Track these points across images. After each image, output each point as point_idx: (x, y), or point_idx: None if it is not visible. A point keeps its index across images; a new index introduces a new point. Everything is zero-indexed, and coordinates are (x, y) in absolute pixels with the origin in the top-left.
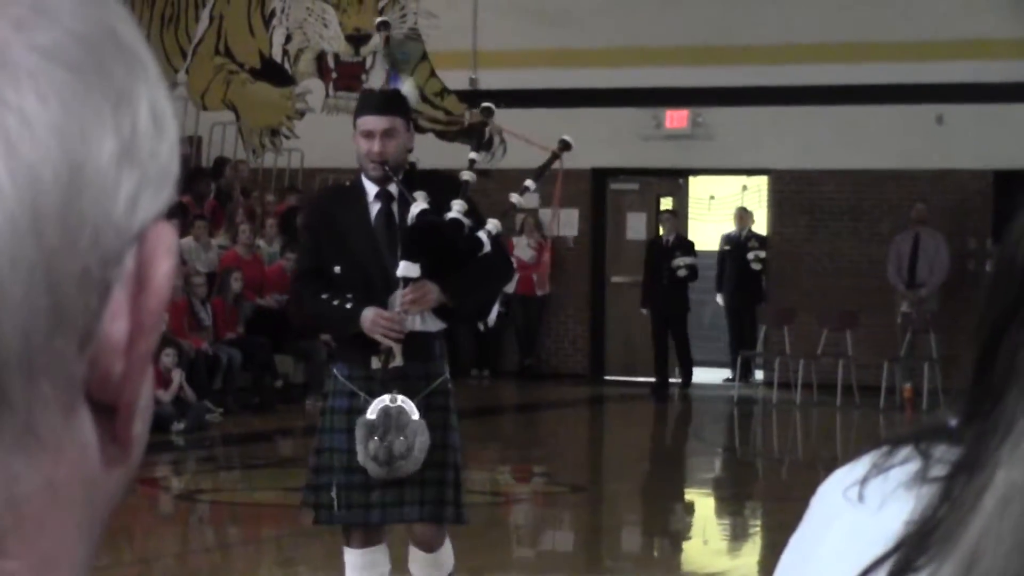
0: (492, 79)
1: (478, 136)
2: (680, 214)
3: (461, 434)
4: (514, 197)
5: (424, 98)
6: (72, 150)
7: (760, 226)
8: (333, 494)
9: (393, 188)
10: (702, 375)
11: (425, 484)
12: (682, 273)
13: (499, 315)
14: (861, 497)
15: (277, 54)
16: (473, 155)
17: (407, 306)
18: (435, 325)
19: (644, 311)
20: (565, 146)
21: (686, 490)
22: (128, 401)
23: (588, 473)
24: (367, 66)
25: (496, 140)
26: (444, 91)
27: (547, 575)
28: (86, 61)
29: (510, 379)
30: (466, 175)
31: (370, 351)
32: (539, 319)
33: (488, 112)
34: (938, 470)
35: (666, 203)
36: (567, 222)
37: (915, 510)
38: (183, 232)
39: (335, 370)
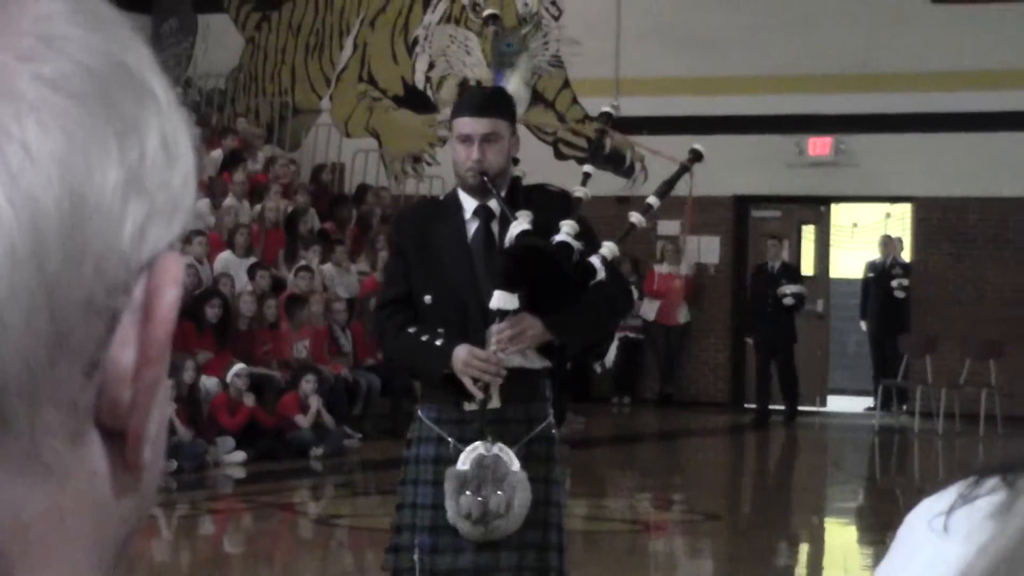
0: (634, 106)
1: (617, 160)
2: (820, 240)
3: (600, 462)
4: (634, 217)
5: (561, 119)
6: (75, 180)
7: (904, 253)
8: (415, 557)
9: (494, 204)
10: (845, 403)
11: (525, 548)
12: (788, 302)
13: (633, 343)
14: (946, 527)
15: (420, 81)
16: (588, 168)
17: (503, 344)
18: (539, 362)
19: (748, 340)
20: (696, 156)
21: (825, 519)
22: (137, 428)
23: (726, 501)
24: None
25: (638, 166)
26: (586, 118)
27: None
28: (92, 92)
29: (649, 407)
30: (579, 191)
31: (462, 391)
32: (680, 346)
33: (607, 118)
34: None
35: (808, 231)
36: (708, 249)
37: (999, 541)
38: (324, 258)
39: (420, 412)
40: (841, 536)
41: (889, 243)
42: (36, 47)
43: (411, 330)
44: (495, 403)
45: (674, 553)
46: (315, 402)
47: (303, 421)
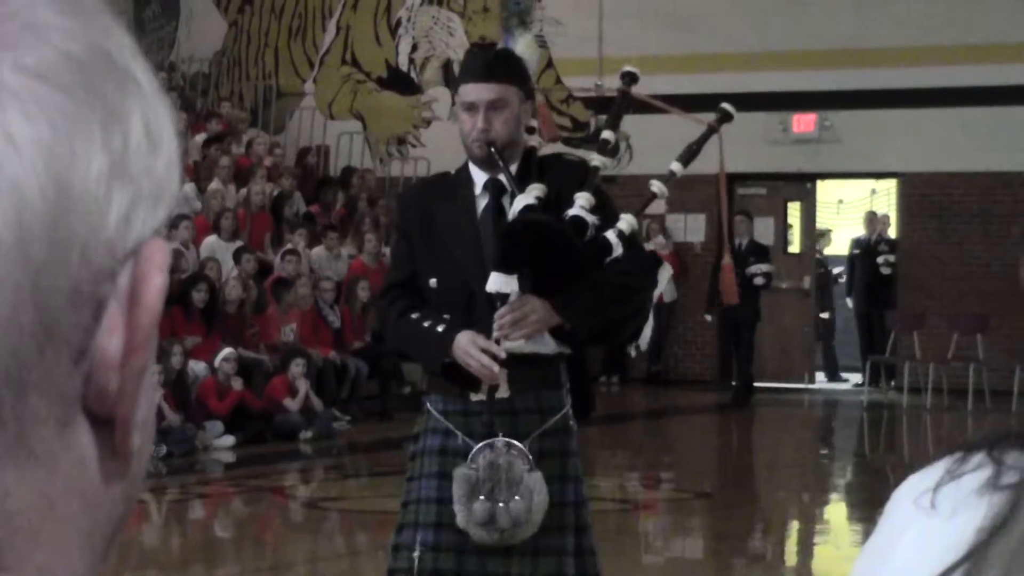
0: (618, 84)
1: (601, 140)
2: (806, 217)
3: (589, 442)
4: (655, 186)
5: (550, 104)
6: (59, 168)
7: (890, 230)
8: (415, 555)
9: (503, 177)
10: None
11: (539, 555)
12: (759, 281)
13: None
14: (933, 504)
15: (403, 63)
16: (607, 134)
17: (504, 331)
18: (552, 346)
19: (708, 318)
20: (725, 116)
21: (815, 496)
22: (125, 415)
23: (716, 479)
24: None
25: (623, 146)
26: (570, 98)
27: None
28: (75, 80)
29: (638, 385)
30: (596, 160)
31: (469, 380)
32: (667, 325)
33: (630, 79)
34: (1010, 477)
35: (793, 208)
36: (694, 227)
37: (986, 517)
38: (312, 242)
39: (428, 404)
40: (830, 512)
41: (874, 219)
42: (18, 35)
43: (414, 316)
44: (503, 392)
45: (664, 531)
46: (303, 385)
47: (292, 404)
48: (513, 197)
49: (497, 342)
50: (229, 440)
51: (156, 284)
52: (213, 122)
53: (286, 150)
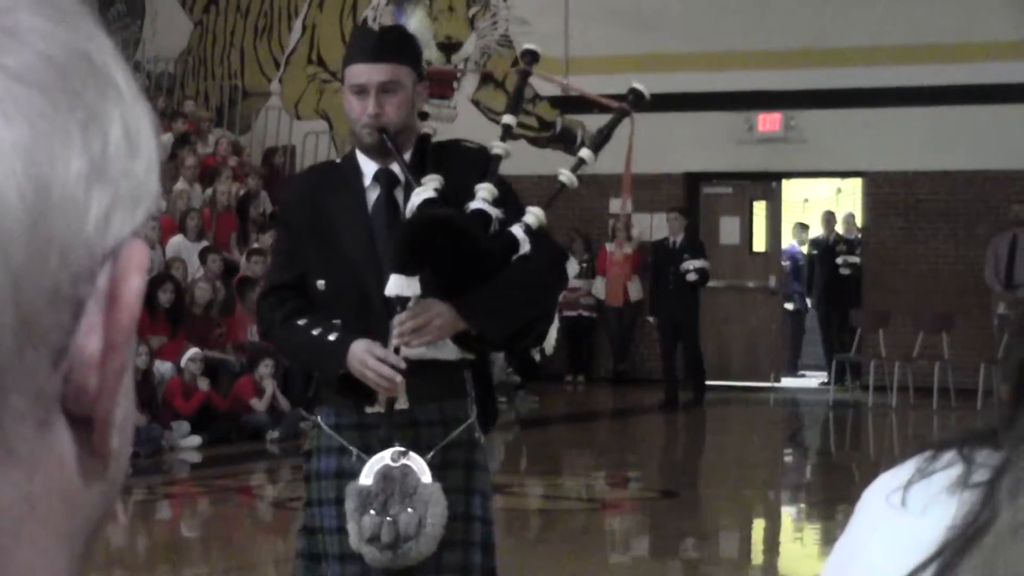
0: (584, 84)
1: (568, 138)
2: (772, 216)
3: (555, 441)
4: (564, 176)
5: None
6: (39, 170)
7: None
8: None
9: (396, 167)
10: (800, 379)
11: (442, 571)
12: (691, 278)
13: (587, 322)
14: (904, 502)
15: None
16: (508, 119)
17: (405, 339)
18: (455, 352)
19: (650, 319)
20: (638, 98)
21: (781, 494)
22: (104, 415)
23: (682, 478)
24: (459, 74)
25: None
26: (536, 97)
27: None
28: (55, 82)
29: (604, 385)
30: (498, 147)
31: (364, 391)
32: (632, 324)
33: (531, 57)
34: (980, 475)
35: (759, 207)
36: (660, 226)
37: (956, 515)
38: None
39: (319, 418)
40: (797, 511)
41: (831, 219)
42: None
43: (301, 322)
44: (402, 404)
45: (631, 530)
46: (270, 385)
47: (258, 405)
48: (407, 189)
49: (396, 350)
50: (195, 440)
51: (135, 284)
52: (179, 122)
53: (252, 150)
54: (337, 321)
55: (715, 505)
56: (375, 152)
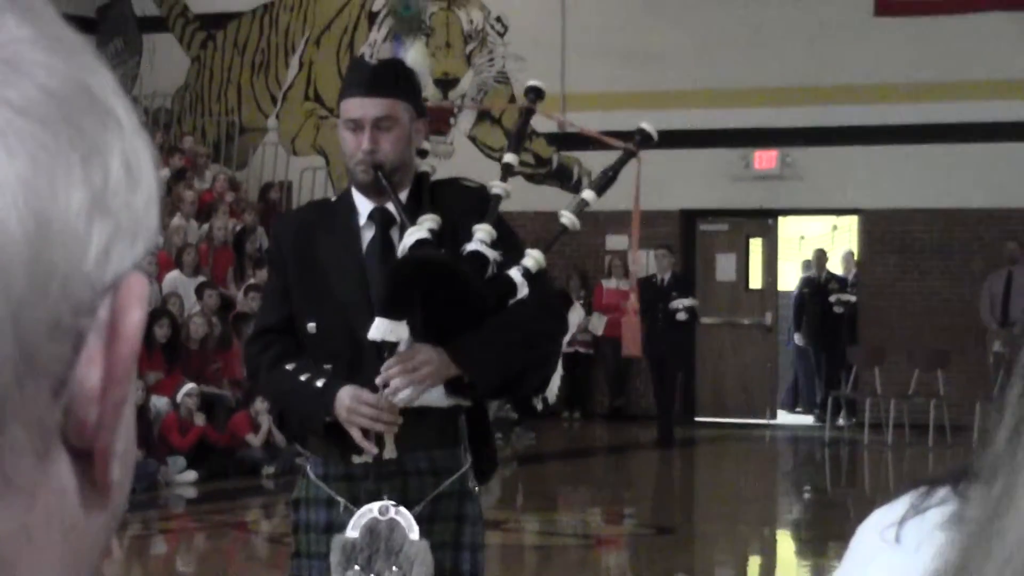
0: (581, 121)
1: (564, 175)
2: (768, 253)
3: (551, 477)
4: (565, 218)
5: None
6: (40, 203)
7: (837, 266)
8: None
9: (391, 206)
10: (790, 417)
11: None
12: (681, 316)
13: (584, 358)
14: (898, 538)
15: None
16: (509, 158)
17: (393, 387)
18: (446, 399)
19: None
20: (645, 139)
21: (776, 531)
22: (104, 447)
23: (678, 514)
24: (455, 110)
25: (585, 181)
26: (533, 133)
27: None
28: (56, 116)
29: (600, 420)
30: (497, 187)
31: (350, 441)
32: (629, 361)
33: (535, 95)
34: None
35: (755, 244)
36: (655, 263)
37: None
38: None
39: (308, 467)
40: (791, 547)
41: (822, 257)
42: (1, 72)
43: (289, 367)
44: (390, 453)
45: (626, 567)
46: (266, 421)
47: (254, 440)
48: (403, 229)
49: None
50: (191, 475)
51: (135, 317)
52: (176, 157)
53: (249, 185)
54: (327, 366)
55: (710, 541)
56: (370, 190)
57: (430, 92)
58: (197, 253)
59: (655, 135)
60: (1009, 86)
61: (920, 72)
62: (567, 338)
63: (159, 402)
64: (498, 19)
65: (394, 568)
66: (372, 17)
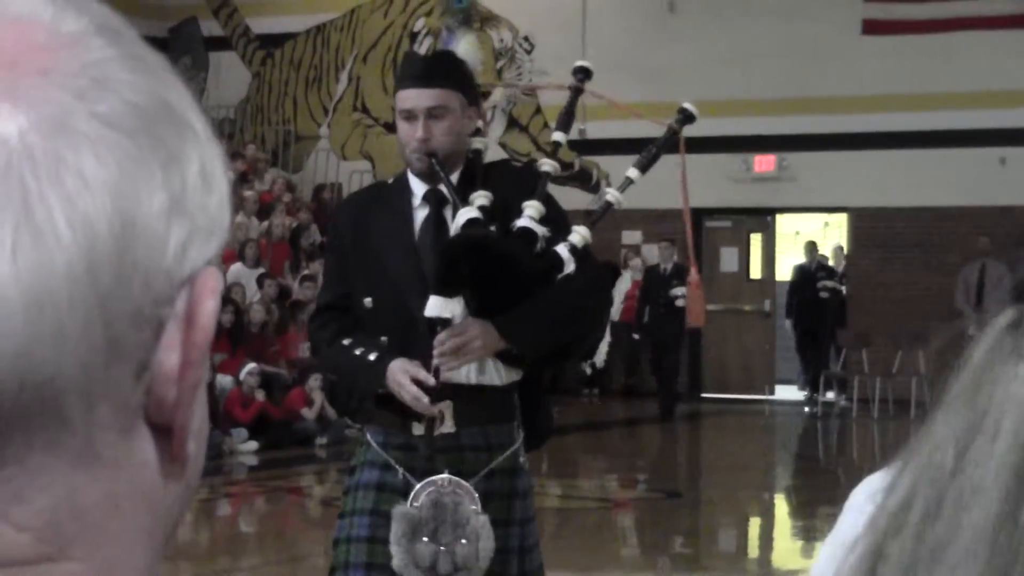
0: (599, 130)
1: (584, 177)
2: (767, 247)
3: (572, 448)
4: (611, 195)
5: (539, 147)
6: (125, 205)
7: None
8: None
9: (444, 188)
10: (790, 392)
11: None
12: (680, 303)
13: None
14: None
15: None
16: (558, 136)
17: (444, 360)
18: (503, 375)
19: (636, 336)
20: (687, 117)
21: (774, 495)
22: (181, 424)
23: (685, 481)
24: (488, 120)
25: (603, 183)
26: (557, 142)
27: (650, 572)
28: (140, 127)
29: (617, 397)
30: (546, 165)
31: (407, 412)
32: (641, 343)
33: (584, 73)
34: None
35: (755, 239)
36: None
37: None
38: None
39: (368, 435)
40: (788, 510)
41: (814, 249)
42: (91, 88)
43: (346, 341)
44: (448, 427)
45: (640, 527)
46: (319, 397)
47: (308, 414)
48: (455, 209)
49: (436, 371)
50: (252, 445)
51: (209, 308)
52: (239, 162)
53: (303, 187)
54: (383, 339)
55: (714, 505)
56: (425, 176)
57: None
58: (258, 247)
59: (696, 114)
60: (983, 97)
61: (903, 84)
62: (615, 305)
63: (224, 380)
64: (525, 38)
65: (463, 541)
66: (413, 36)
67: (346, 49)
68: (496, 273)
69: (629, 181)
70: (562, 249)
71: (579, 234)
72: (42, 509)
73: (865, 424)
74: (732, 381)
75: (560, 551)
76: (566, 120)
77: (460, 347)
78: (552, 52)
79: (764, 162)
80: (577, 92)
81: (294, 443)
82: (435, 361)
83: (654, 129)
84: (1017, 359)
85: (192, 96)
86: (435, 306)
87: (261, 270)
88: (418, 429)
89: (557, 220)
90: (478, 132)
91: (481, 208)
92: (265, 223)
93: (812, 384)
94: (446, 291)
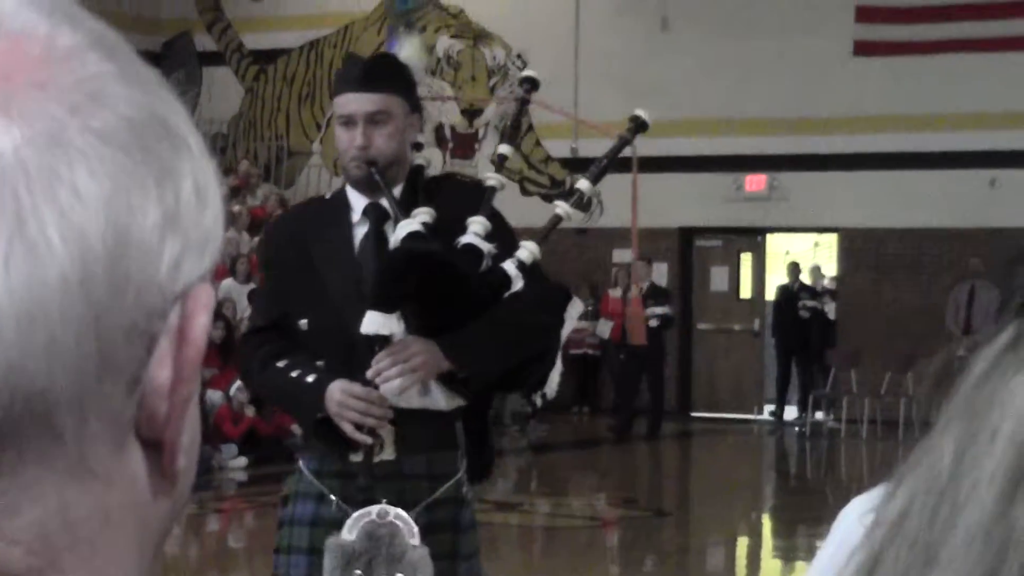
0: (591, 147)
1: (574, 195)
2: (757, 267)
3: (562, 465)
4: (560, 208)
5: (531, 164)
6: (119, 219)
7: (829, 278)
8: None
9: (385, 201)
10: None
11: None
12: (653, 323)
13: (593, 359)
14: None
15: None
16: (504, 149)
17: (384, 380)
18: (446, 401)
19: (622, 357)
20: (640, 126)
21: (762, 514)
22: (172, 439)
23: (675, 499)
24: (480, 136)
25: (595, 201)
26: (548, 158)
27: None
28: (134, 142)
29: (606, 415)
30: (492, 179)
31: (346, 438)
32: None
33: (531, 84)
34: None
35: (746, 259)
36: (658, 274)
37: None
38: None
39: (301, 463)
40: (776, 528)
41: (796, 269)
42: (86, 103)
43: (280, 364)
44: (388, 454)
45: (628, 546)
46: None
47: (298, 429)
48: (397, 223)
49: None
50: (242, 461)
51: (202, 323)
52: (231, 177)
53: (295, 202)
54: (320, 363)
55: (703, 523)
56: (364, 186)
57: (457, 122)
58: (249, 263)
59: (649, 121)
60: (974, 119)
61: (894, 106)
62: (566, 331)
63: (214, 395)
64: (519, 56)
65: (397, 575)
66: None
67: (339, 65)
68: (439, 289)
69: (580, 192)
70: (509, 265)
71: (527, 250)
72: (33, 522)
73: (854, 444)
74: (722, 400)
75: (549, 571)
76: (513, 131)
77: (399, 364)
78: (545, 68)
79: (755, 181)
80: (523, 103)
81: (284, 459)
82: (371, 376)
83: (647, 147)
84: (1015, 372)
85: (186, 111)
86: (373, 322)
87: (252, 285)
88: (356, 456)
89: (504, 236)
90: (420, 147)
91: (424, 224)
92: (256, 239)
93: (800, 404)
94: (385, 306)
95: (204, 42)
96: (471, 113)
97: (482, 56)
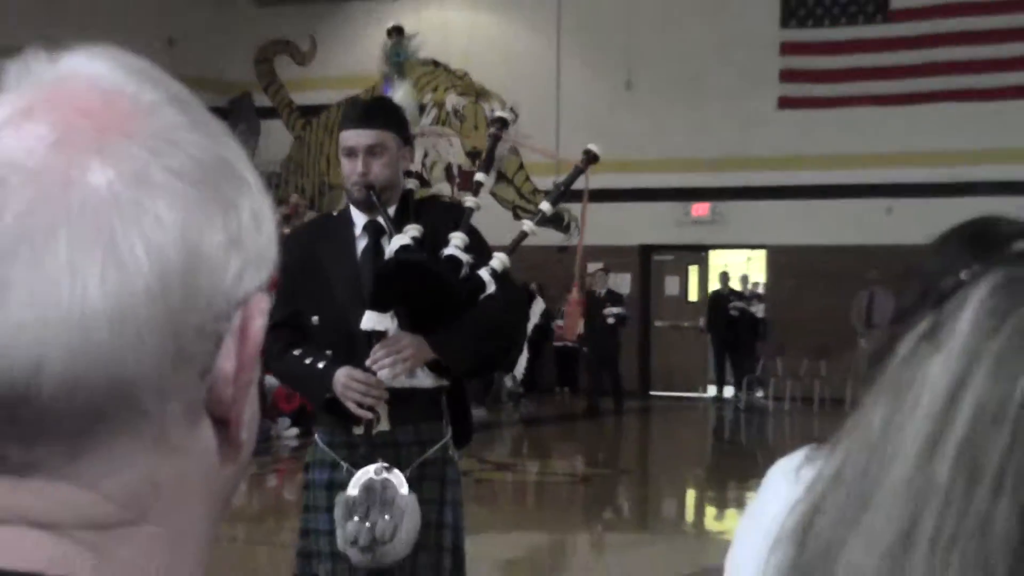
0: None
1: (556, 219)
2: (701, 277)
3: (547, 435)
4: (526, 225)
5: (521, 195)
6: (192, 241)
7: (760, 286)
8: None
9: (381, 219)
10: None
11: (417, 572)
12: (611, 321)
13: (573, 350)
14: (797, 478)
15: (418, 166)
16: (480, 177)
17: (379, 368)
18: (430, 380)
19: (585, 349)
20: (592, 158)
21: (705, 472)
22: (237, 417)
23: (635, 460)
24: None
25: (573, 224)
26: (535, 191)
27: (610, 531)
28: (204, 179)
29: (583, 395)
30: (470, 201)
31: (350, 414)
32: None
33: (501, 124)
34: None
35: (693, 270)
36: (622, 283)
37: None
38: None
39: (317, 436)
40: (717, 483)
41: (726, 278)
42: (164, 147)
43: (296, 352)
44: (384, 426)
45: (599, 498)
46: None
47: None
48: (391, 238)
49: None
50: (294, 431)
51: (259, 324)
52: (282, 207)
53: None
54: (328, 352)
55: (658, 479)
56: (364, 206)
57: (463, 162)
58: None
59: (599, 154)
60: (873, 158)
61: (810, 148)
62: (530, 326)
63: (271, 380)
64: (511, 109)
65: (386, 517)
66: (422, 108)
67: None
68: (425, 292)
69: (543, 213)
70: (484, 273)
71: (499, 259)
72: (125, 483)
73: (779, 416)
74: (674, 382)
75: (538, 520)
76: (488, 163)
77: (394, 355)
78: (534, 116)
79: (700, 208)
80: (495, 139)
81: None
82: (370, 365)
83: (616, 181)
84: (930, 354)
85: (246, 155)
86: (370, 320)
87: None
88: (358, 429)
89: (480, 249)
90: (411, 174)
91: (413, 238)
92: None
93: (736, 385)
94: (381, 306)
95: (261, 99)
96: (474, 155)
97: (482, 109)
